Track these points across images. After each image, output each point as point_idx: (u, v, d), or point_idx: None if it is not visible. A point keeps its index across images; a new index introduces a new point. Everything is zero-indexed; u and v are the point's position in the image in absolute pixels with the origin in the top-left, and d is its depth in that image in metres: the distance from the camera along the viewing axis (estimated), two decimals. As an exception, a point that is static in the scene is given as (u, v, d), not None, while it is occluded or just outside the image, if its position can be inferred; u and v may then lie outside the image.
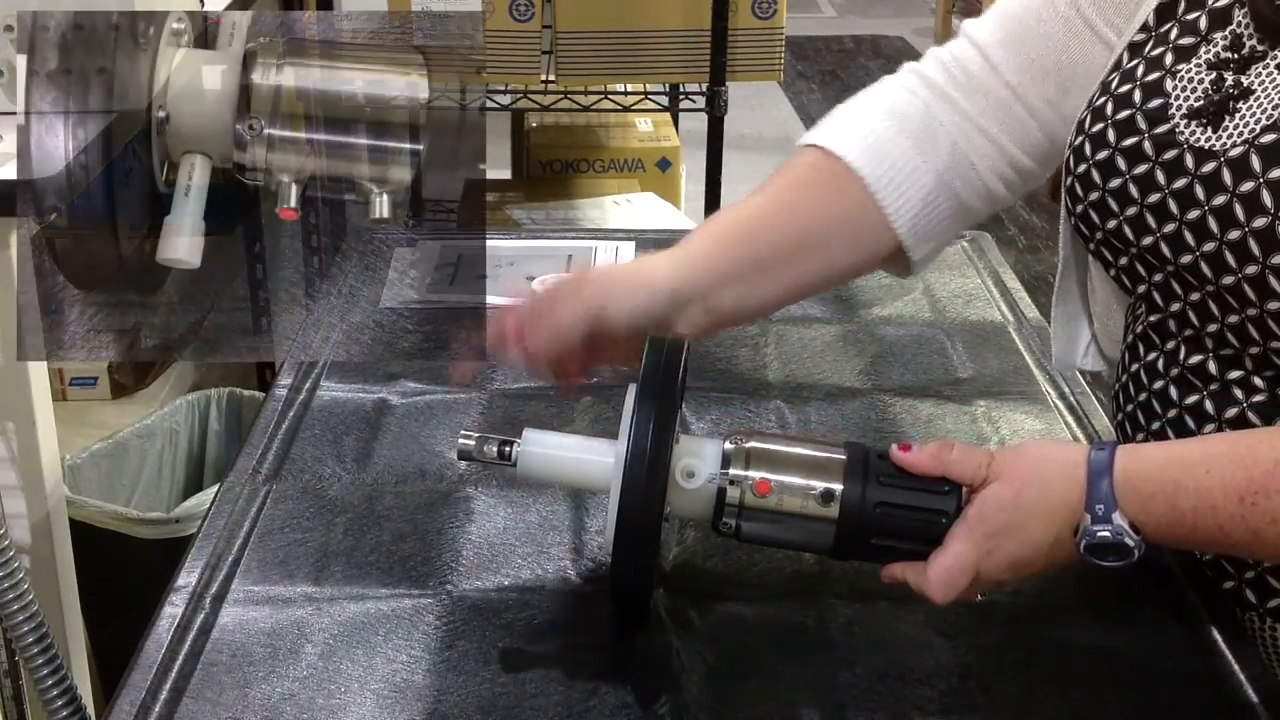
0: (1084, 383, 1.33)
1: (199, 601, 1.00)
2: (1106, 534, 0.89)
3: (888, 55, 6.62)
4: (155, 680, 0.92)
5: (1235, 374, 0.97)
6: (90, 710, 1.46)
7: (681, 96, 2.72)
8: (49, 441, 1.60)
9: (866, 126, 1.10)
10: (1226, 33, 0.98)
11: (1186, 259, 0.97)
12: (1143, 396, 1.05)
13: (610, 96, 2.62)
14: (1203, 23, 1.00)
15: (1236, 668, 0.95)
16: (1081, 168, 1.03)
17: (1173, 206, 0.97)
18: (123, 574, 1.92)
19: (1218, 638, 0.98)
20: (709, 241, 1.08)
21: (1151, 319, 1.03)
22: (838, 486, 0.93)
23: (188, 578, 1.02)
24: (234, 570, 1.04)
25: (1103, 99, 1.03)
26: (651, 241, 1.65)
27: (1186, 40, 1.00)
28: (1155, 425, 1.04)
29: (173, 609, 0.99)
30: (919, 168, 1.09)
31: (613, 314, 1.02)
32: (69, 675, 1.34)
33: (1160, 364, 1.03)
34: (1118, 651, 0.97)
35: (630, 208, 2.75)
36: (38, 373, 1.56)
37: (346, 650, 0.95)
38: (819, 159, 1.10)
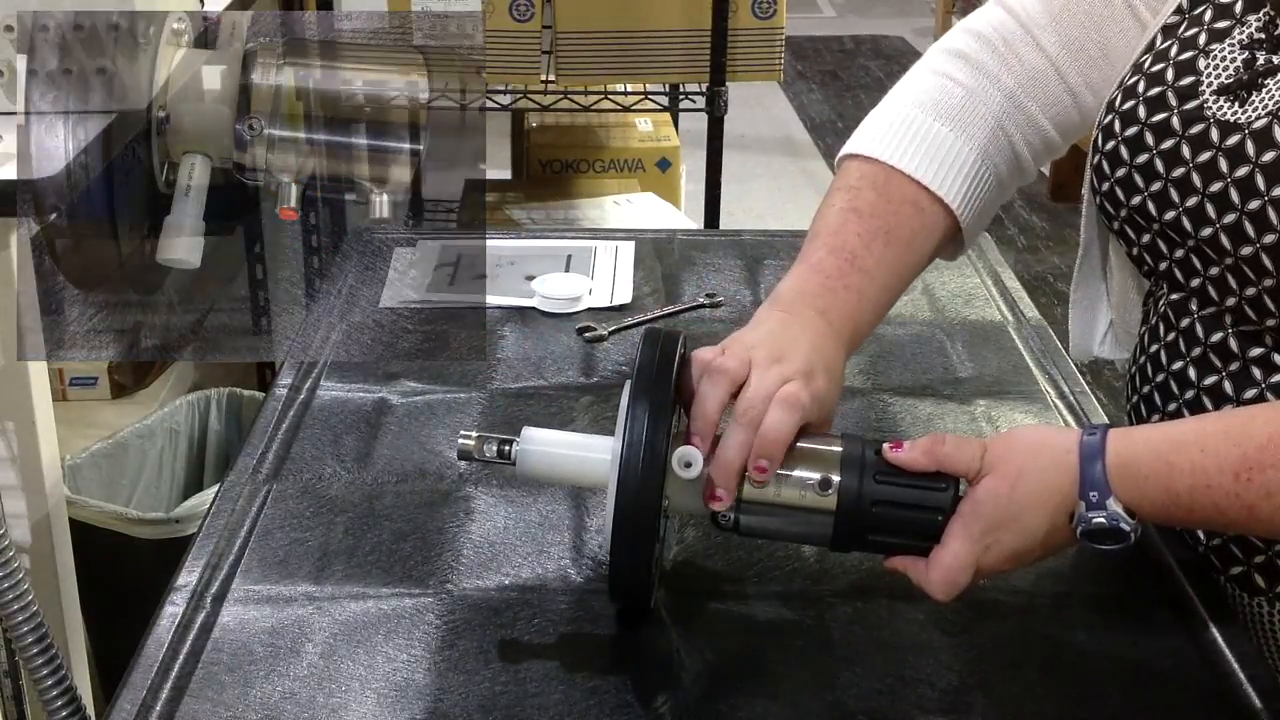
0: (1083, 382, 1.33)
1: (199, 601, 1.00)
2: (1102, 520, 0.89)
3: (888, 55, 6.62)
4: (156, 679, 0.92)
5: (1256, 351, 0.98)
6: (90, 710, 1.46)
7: (681, 96, 2.73)
8: (49, 441, 1.60)
9: (901, 123, 1.11)
10: (1261, 15, 1.00)
11: (1207, 232, 0.97)
12: (1160, 378, 1.05)
13: (610, 96, 2.62)
14: (1238, 6, 1.01)
15: (1236, 667, 0.95)
16: (1109, 145, 1.04)
17: (1196, 180, 0.98)
18: (123, 574, 1.92)
19: (1218, 637, 0.98)
20: (835, 289, 1.04)
21: (1172, 298, 1.04)
22: (835, 477, 0.93)
23: (188, 577, 1.02)
24: (234, 570, 1.04)
25: (1135, 78, 1.04)
26: (651, 241, 1.65)
27: (1221, 23, 1.02)
28: (1172, 407, 1.04)
29: (173, 608, 0.99)
30: (960, 148, 1.10)
31: (825, 413, 0.99)
32: (69, 675, 1.34)
33: (1181, 344, 1.03)
34: (1118, 651, 0.97)
35: (630, 208, 2.75)
36: (38, 373, 1.56)
37: (347, 649, 0.95)
38: (864, 166, 1.10)
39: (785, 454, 0.93)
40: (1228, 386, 1.00)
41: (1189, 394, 1.03)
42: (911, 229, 1.08)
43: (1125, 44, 1.09)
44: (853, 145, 1.12)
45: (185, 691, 0.91)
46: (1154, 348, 1.07)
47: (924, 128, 1.10)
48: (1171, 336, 1.04)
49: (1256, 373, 0.98)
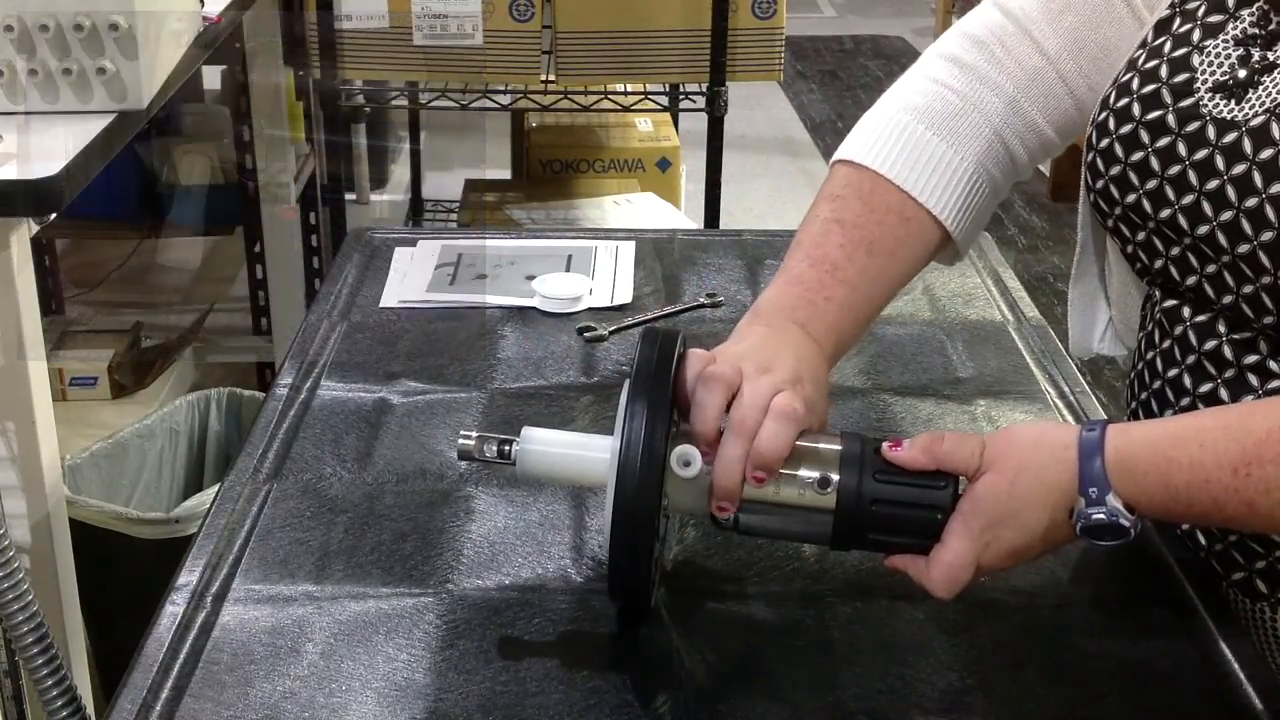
0: (1084, 382, 1.33)
1: (200, 600, 1.00)
2: (1101, 516, 0.89)
3: (888, 55, 6.62)
4: (156, 679, 0.92)
5: (1251, 358, 0.98)
6: (90, 710, 1.46)
7: (681, 96, 2.73)
8: (49, 441, 1.60)
9: (892, 130, 1.10)
10: (1254, 9, 1.00)
11: (1203, 229, 0.97)
12: (1156, 384, 1.05)
13: (610, 96, 2.62)
14: (1230, 0, 1.01)
15: (1236, 667, 0.95)
16: (1104, 142, 1.04)
17: (1192, 178, 0.98)
18: (123, 574, 1.92)
19: (1218, 637, 0.98)
20: (815, 301, 1.05)
21: (1166, 304, 1.04)
22: (834, 475, 0.93)
23: (189, 577, 1.02)
24: (235, 569, 1.04)
25: (1129, 75, 1.04)
26: (651, 241, 1.65)
27: (1215, 17, 1.01)
28: (1169, 414, 1.04)
29: (174, 608, 0.99)
30: (951, 158, 1.09)
31: (816, 421, 0.99)
32: (69, 675, 1.34)
33: (1176, 351, 1.03)
34: (1118, 651, 0.97)
35: (630, 208, 2.75)
36: (38, 373, 1.56)
37: (347, 649, 0.95)
38: (851, 174, 1.10)
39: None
40: (1224, 394, 1.00)
41: (1185, 401, 1.03)
42: (896, 238, 1.08)
43: (1125, 42, 1.09)
44: (843, 151, 1.11)
45: (185, 691, 0.91)
46: (1150, 354, 1.07)
47: (915, 135, 1.09)
48: (1167, 344, 1.04)
49: (1253, 380, 0.98)
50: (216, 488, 1.16)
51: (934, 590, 0.92)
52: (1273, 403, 0.92)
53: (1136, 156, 1.02)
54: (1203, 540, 1.06)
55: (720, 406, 0.94)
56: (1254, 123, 0.95)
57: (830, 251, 1.06)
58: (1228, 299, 0.98)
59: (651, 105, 2.67)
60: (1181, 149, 0.99)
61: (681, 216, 2.82)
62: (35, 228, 1.58)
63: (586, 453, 0.97)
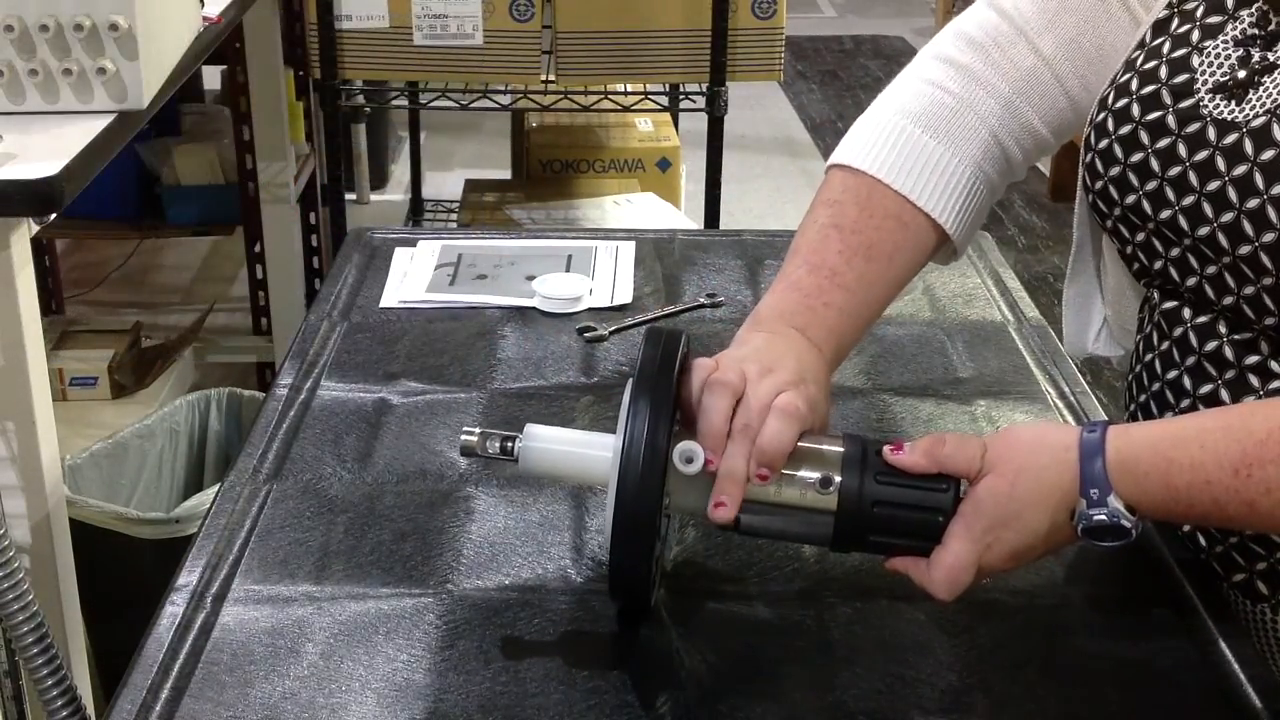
0: (1084, 382, 1.33)
1: (200, 601, 1.00)
2: (1103, 517, 0.89)
3: (888, 55, 6.62)
4: (156, 679, 0.92)
5: (1252, 359, 0.98)
6: (90, 710, 1.46)
7: (681, 96, 2.73)
8: (49, 441, 1.60)
9: (888, 134, 1.10)
10: (1253, 10, 0.99)
11: (1204, 231, 0.97)
12: (1156, 386, 1.05)
13: (610, 96, 2.62)
14: (1230, 0, 1.01)
15: (1237, 667, 0.95)
16: (1103, 143, 1.04)
17: (1193, 179, 0.98)
18: (123, 574, 1.92)
19: (1218, 637, 0.98)
20: (814, 307, 1.05)
21: (1165, 306, 1.04)
22: (836, 476, 0.93)
23: (188, 577, 1.02)
24: (235, 569, 1.04)
25: (1128, 75, 1.04)
26: (651, 241, 1.65)
27: (1214, 18, 1.01)
28: (1168, 416, 1.04)
29: (173, 608, 0.99)
30: (948, 161, 1.09)
31: (819, 421, 0.99)
32: (69, 675, 1.34)
33: (1175, 353, 1.03)
34: (1118, 651, 0.97)
35: (630, 208, 2.75)
36: (38, 373, 1.56)
37: (347, 649, 0.95)
38: (848, 179, 1.10)
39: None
40: (1224, 395, 1.00)
41: (1185, 403, 1.03)
42: (894, 243, 1.08)
43: (1121, 42, 1.09)
44: (838, 155, 1.11)
45: (185, 691, 0.91)
46: (1149, 356, 1.07)
47: (911, 139, 1.09)
48: (1166, 346, 1.04)
49: (1254, 380, 0.98)
50: (216, 488, 1.16)
51: (935, 592, 0.92)
52: (1274, 403, 0.92)
53: (1136, 157, 1.02)
54: (1203, 542, 1.05)
55: (727, 411, 0.94)
56: (1255, 124, 0.95)
57: (829, 257, 1.06)
58: (1228, 300, 0.98)
59: (651, 105, 2.67)
60: (1182, 150, 0.99)
61: (681, 216, 2.82)
62: (35, 228, 1.58)
63: (589, 450, 0.97)
